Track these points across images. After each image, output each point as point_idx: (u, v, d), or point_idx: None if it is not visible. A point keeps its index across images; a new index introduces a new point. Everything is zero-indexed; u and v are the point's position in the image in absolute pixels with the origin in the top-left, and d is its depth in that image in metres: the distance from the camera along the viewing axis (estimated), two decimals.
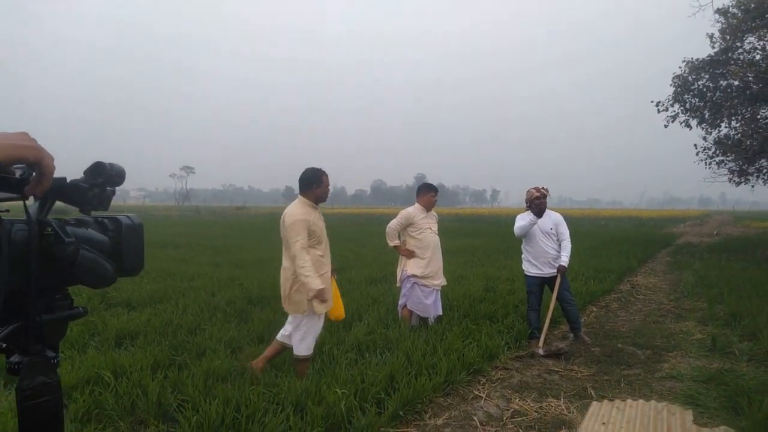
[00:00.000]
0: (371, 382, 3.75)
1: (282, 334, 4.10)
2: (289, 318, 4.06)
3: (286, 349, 4.11)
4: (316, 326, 4.02)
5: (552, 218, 5.58)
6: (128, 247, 0.95)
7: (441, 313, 5.69)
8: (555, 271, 5.50)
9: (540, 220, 5.44)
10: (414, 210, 5.55)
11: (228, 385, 3.62)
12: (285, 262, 3.99)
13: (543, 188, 5.42)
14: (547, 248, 5.51)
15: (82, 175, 0.92)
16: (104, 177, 0.91)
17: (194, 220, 36.16)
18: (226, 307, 6.25)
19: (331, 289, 4.07)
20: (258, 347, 4.68)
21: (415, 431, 3.39)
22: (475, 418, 3.62)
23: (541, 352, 5.10)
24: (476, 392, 4.10)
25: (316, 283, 3.76)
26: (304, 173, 4.10)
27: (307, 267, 3.77)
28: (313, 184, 4.04)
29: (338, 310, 4.26)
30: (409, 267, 5.48)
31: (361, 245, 16.17)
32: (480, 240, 18.58)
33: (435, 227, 5.61)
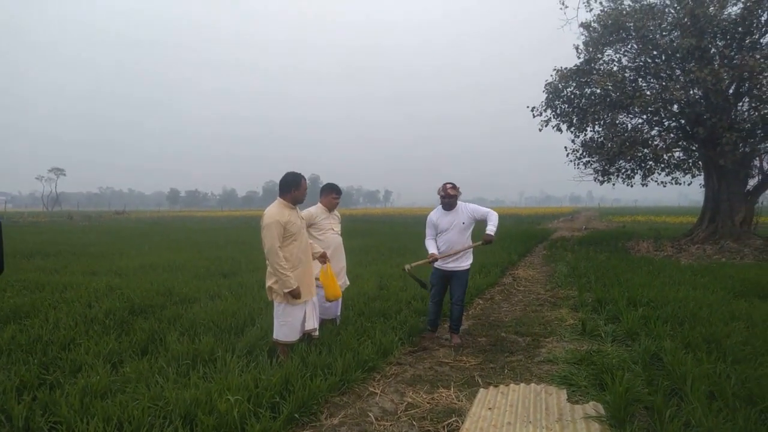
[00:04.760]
0: (265, 386, 3.67)
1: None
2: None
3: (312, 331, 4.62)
4: (295, 315, 4.38)
5: (466, 211, 5.51)
6: None
7: (339, 314, 5.68)
8: (457, 266, 5.51)
9: (456, 217, 5.47)
10: (316, 210, 5.42)
11: (108, 402, 3.36)
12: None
13: (450, 187, 5.44)
14: (456, 245, 5.47)
15: None
16: None
17: (66, 227, 33.03)
18: (105, 318, 5.78)
19: (310, 279, 4.54)
20: (142, 359, 4.39)
21: None
22: (370, 414, 3.69)
23: (407, 268, 5.50)
24: (371, 389, 4.17)
25: (290, 282, 4.22)
26: (284, 177, 4.42)
27: (282, 264, 4.19)
28: (291, 187, 4.39)
29: (335, 291, 4.73)
30: None
31: (253, 248, 15.74)
32: (373, 239, 18.88)
33: (337, 228, 5.54)
